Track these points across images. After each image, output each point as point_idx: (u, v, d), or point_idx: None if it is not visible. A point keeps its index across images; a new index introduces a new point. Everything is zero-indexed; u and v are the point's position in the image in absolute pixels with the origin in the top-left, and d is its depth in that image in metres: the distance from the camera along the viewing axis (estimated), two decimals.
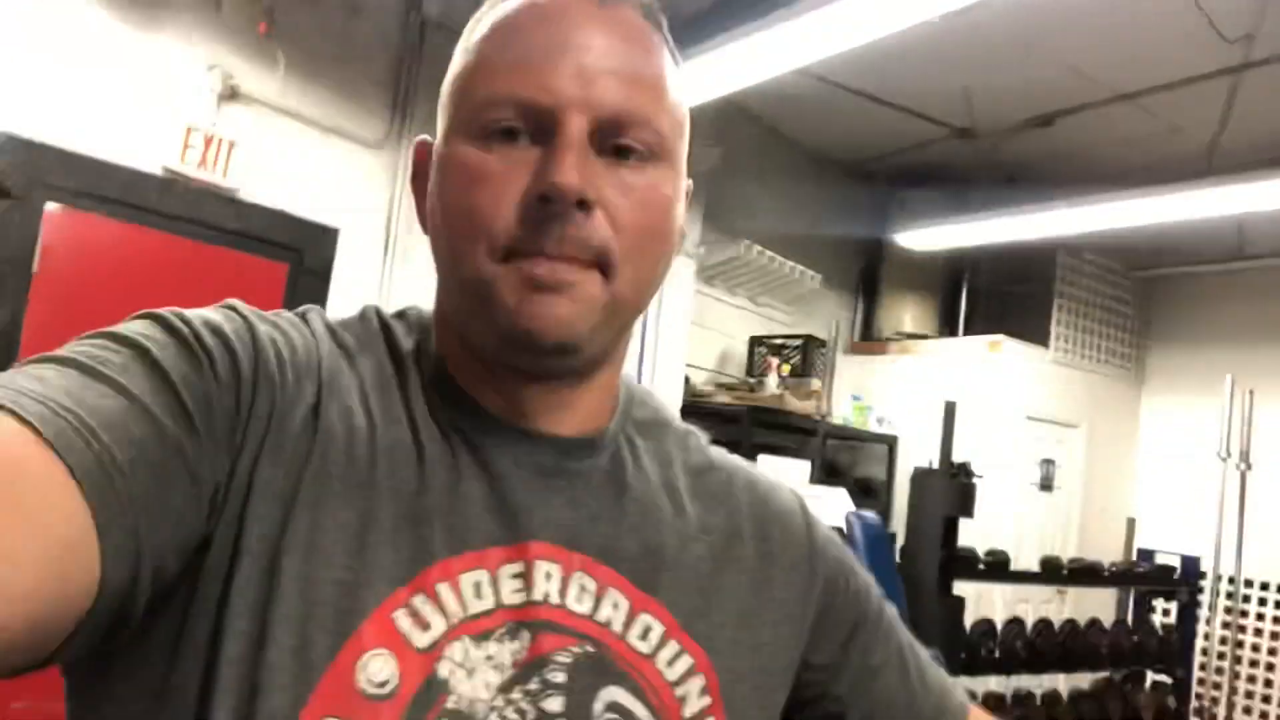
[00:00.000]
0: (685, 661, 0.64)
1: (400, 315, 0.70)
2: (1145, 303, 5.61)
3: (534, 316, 0.58)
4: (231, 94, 3.18)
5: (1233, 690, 4.20)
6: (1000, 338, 4.97)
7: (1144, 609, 3.97)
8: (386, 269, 3.60)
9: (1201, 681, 4.24)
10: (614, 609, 0.63)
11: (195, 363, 0.54)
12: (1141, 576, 4.56)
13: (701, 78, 3.03)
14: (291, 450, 0.56)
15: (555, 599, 0.61)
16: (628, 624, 0.63)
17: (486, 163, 0.59)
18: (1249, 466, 4.03)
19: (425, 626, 0.56)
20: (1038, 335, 5.15)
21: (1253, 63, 3.56)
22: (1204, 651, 4.50)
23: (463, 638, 0.57)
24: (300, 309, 0.67)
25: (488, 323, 0.60)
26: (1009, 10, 3.21)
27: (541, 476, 0.64)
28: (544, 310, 0.58)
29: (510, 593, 0.60)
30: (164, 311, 0.57)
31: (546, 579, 0.61)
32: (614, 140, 0.59)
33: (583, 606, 0.62)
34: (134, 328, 0.55)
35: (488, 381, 0.64)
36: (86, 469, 0.44)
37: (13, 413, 0.44)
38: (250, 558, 0.53)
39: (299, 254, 3.42)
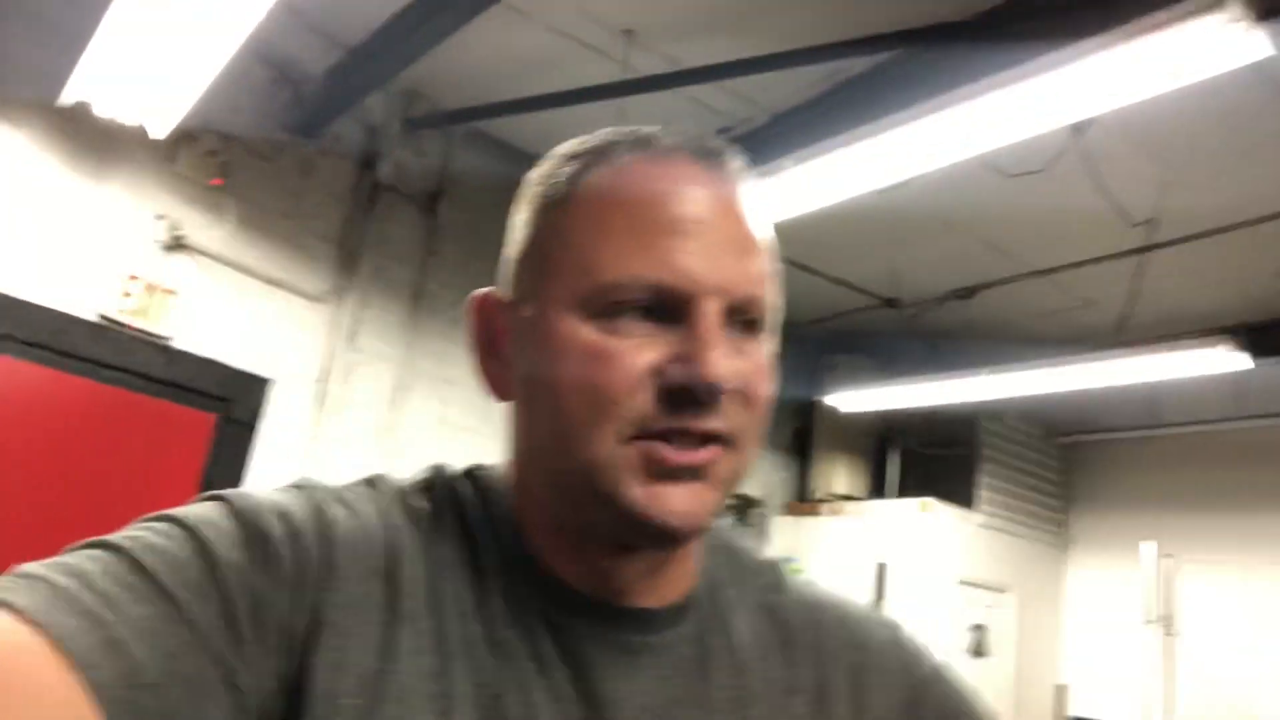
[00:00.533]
0: None
1: (468, 476, 0.67)
2: (1067, 468, 5.78)
3: (664, 512, 0.55)
4: (176, 243, 3.19)
5: None
6: (930, 500, 5.05)
7: None
8: (319, 419, 3.54)
9: None
10: None
11: (253, 558, 0.51)
12: None
13: None
14: (355, 664, 0.53)
15: None
16: None
17: (612, 344, 0.56)
18: (1174, 632, 4.07)
19: None
20: (965, 498, 5.25)
21: (1156, 244, 3.84)
22: None
23: None
24: (373, 477, 0.65)
25: (602, 508, 0.56)
26: (929, 191, 3.44)
27: (626, 655, 0.60)
28: (675, 504, 0.55)
29: None
30: (233, 496, 0.55)
31: None
32: (738, 318, 0.58)
33: None
34: (200, 513, 0.53)
35: (572, 556, 0.61)
36: (111, 694, 0.43)
37: (39, 624, 0.43)
38: None
39: (228, 404, 3.36)
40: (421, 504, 0.62)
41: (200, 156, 3.26)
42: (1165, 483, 5.23)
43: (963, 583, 5.02)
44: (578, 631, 0.59)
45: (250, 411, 3.41)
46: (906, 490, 5.44)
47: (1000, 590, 5.29)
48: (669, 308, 0.56)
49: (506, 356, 0.63)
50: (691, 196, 0.58)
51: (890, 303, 4.84)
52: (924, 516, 5.02)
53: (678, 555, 0.63)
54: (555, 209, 0.61)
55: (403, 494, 0.63)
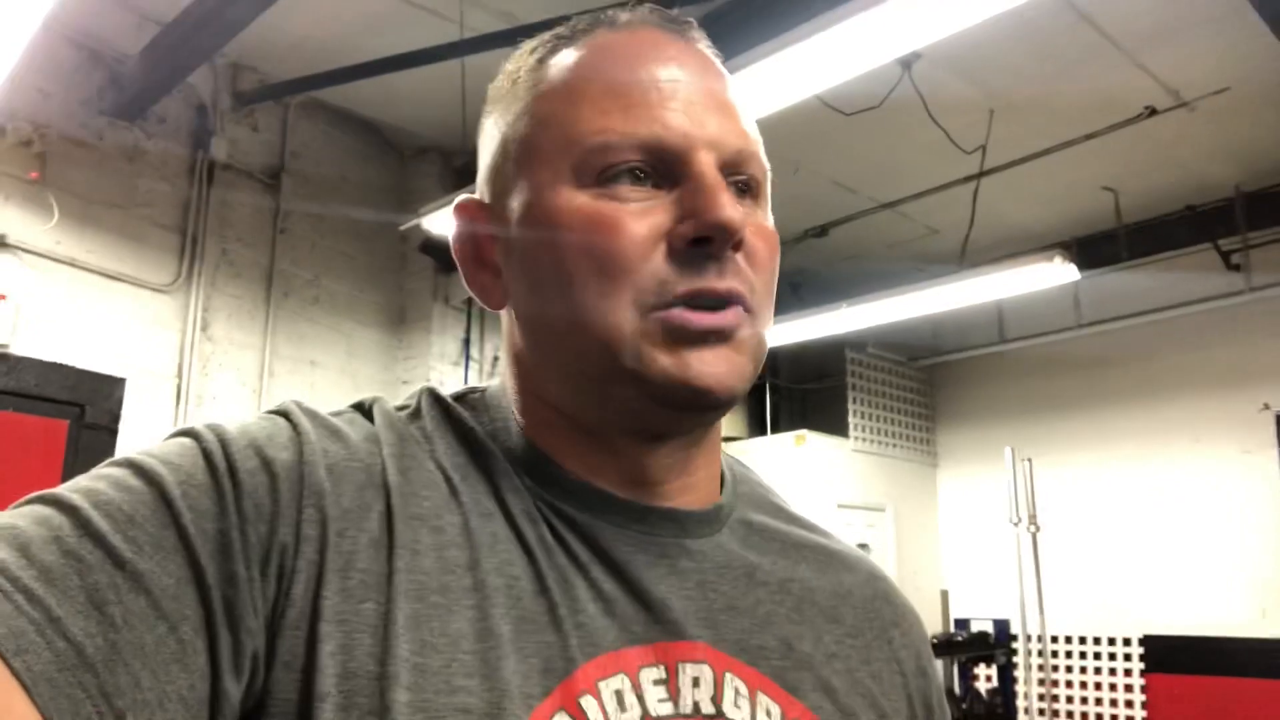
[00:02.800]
0: None
1: (460, 398, 0.62)
2: (929, 388, 6.07)
3: (698, 375, 0.52)
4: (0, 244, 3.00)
5: None
6: (804, 432, 5.23)
7: (968, 676, 4.16)
8: (180, 417, 3.41)
9: None
10: (768, 716, 0.55)
11: (222, 498, 0.47)
12: (961, 645, 4.81)
13: None
14: (365, 569, 0.49)
15: (708, 707, 0.53)
16: None
17: (616, 208, 0.53)
18: (1038, 528, 4.37)
19: None
20: (838, 427, 5.46)
21: (989, 170, 4.04)
22: (1025, 711, 4.76)
23: None
24: (367, 401, 0.60)
25: (628, 385, 0.53)
26: (774, 134, 3.51)
27: (665, 558, 0.56)
28: (708, 367, 0.52)
29: (656, 702, 0.52)
30: (204, 429, 0.51)
31: (694, 685, 0.53)
32: (734, 178, 0.56)
33: (741, 713, 0.54)
34: (165, 455, 0.49)
35: (593, 454, 0.57)
36: (43, 680, 0.39)
37: None
38: (333, 702, 0.45)
39: (80, 409, 3.20)
40: (416, 424, 0.58)
41: (12, 149, 3.05)
42: (1018, 393, 5.56)
43: (841, 506, 5.25)
44: (608, 532, 0.55)
45: (106, 414, 3.26)
46: (785, 425, 5.62)
47: (878, 509, 5.56)
48: (664, 168, 0.54)
49: (494, 262, 0.60)
50: (667, 57, 0.56)
51: None
52: (799, 449, 5.21)
53: (705, 450, 0.60)
54: (527, 98, 0.58)
55: (395, 417, 0.58)
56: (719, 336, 0.53)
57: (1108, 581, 5.10)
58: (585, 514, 0.56)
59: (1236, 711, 4.60)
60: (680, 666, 0.53)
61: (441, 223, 3.29)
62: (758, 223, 0.57)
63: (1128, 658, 5.04)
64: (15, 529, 0.43)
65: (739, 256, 0.54)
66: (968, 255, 4.23)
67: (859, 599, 0.65)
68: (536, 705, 0.48)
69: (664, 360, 0.52)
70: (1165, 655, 4.89)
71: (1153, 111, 3.76)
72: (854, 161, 4.19)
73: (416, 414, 0.59)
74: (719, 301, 0.53)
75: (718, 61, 0.60)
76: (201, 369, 3.50)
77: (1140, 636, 4.98)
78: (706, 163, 0.53)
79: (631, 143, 0.53)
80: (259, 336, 3.70)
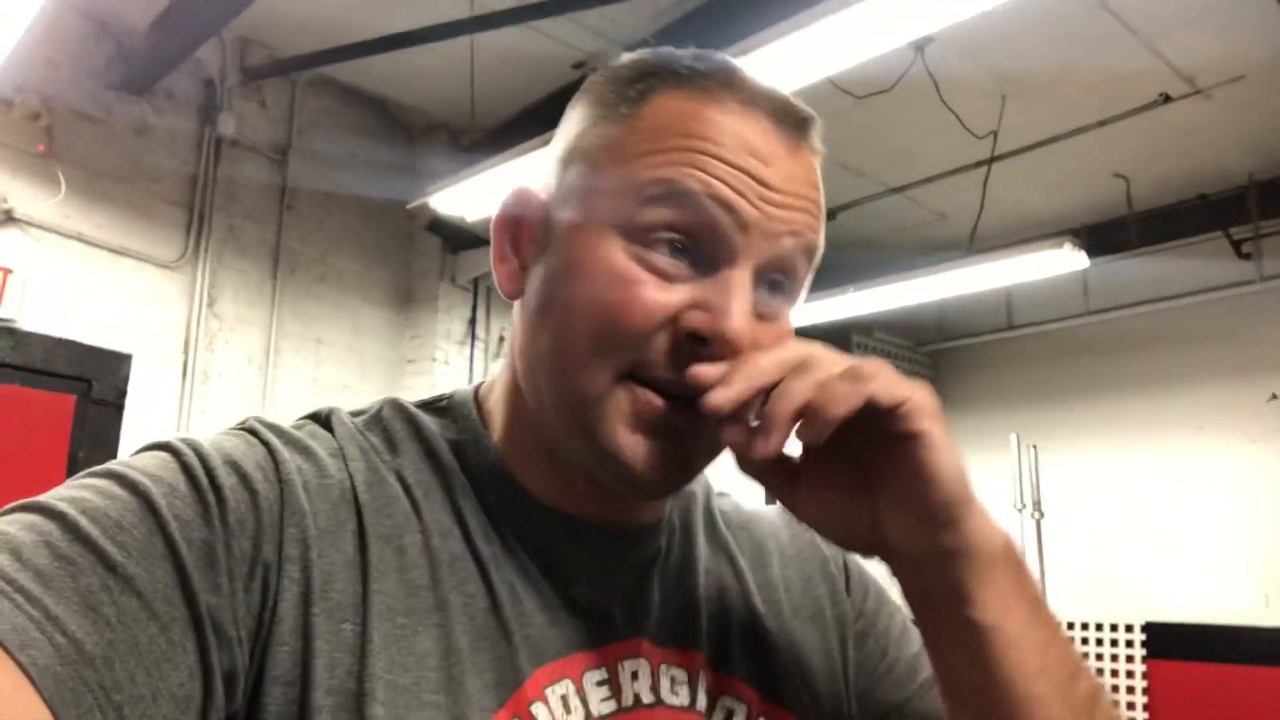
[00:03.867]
0: None
1: (429, 406, 0.64)
2: (935, 374, 6.06)
3: (651, 462, 0.53)
4: (6, 217, 2.99)
5: None
6: None
7: None
8: (186, 393, 3.42)
9: None
10: (707, 697, 0.60)
11: (205, 510, 0.48)
12: None
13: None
14: (342, 590, 0.51)
15: (648, 696, 0.58)
16: (712, 708, 0.61)
17: (640, 273, 0.53)
18: (1042, 515, 4.37)
19: None
20: None
21: (1000, 155, 4.01)
22: None
23: None
24: (324, 411, 0.61)
25: (587, 447, 0.55)
26: None
27: (610, 570, 0.60)
28: (663, 456, 0.54)
29: (599, 702, 0.56)
30: (179, 444, 0.52)
31: (633, 679, 0.58)
32: (766, 279, 0.56)
33: (679, 699, 0.59)
34: (144, 465, 0.50)
35: (553, 477, 0.59)
36: (49, 673, 0.40)
37: None
38: (326, 715, 0.48)
39: (87, 384, 3.20)
40: (377, 435, 0.60)
41: (20, 122, 3.04)
42: (1024, 379, 5.55)
43: None
44: (558, 547, 0.59)
45: (113, 389, 3.26)
46: None
47: None
48: (705, 250, 0.53)
49: (525, 256, 0.60)
50: (760, 144, 0.55)
51: None
52: None
53: None
54: (617, 119, 0.57)
55: (355, 428, 0.60)
56: (681, 432, 0.53)
57: (1111, 568, 5.11)
58: (538, 531, 0.59)
59: (1238, 699, 4.61)
60: (620, 665, 0.58)
61: (450, 201, 3.28)
62: (774, 330, 0.56)
63: (1130, 644, 5.04)
64: (6, 535, 0.44)
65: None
66: (977, 241, 4.21)
67: (790, 554, 0.72)
68: (493, 716, 0.52)
69: (621, 436, 0.53)
70: (1168, 642, 4.90)
71: (1167, 99, 3.73)
72: (864, 145, 4.15)
73: (374, 423, 0.61)
74: (692, 392, 0.52)
75: (817, 158, 0.59)
76: (208, 345, 3.51)
77: (1143, 623, 4.99)
78: (747, 267, 0.53)
79: (692, 209, 0.53)
80: (265, 313, 3.70)
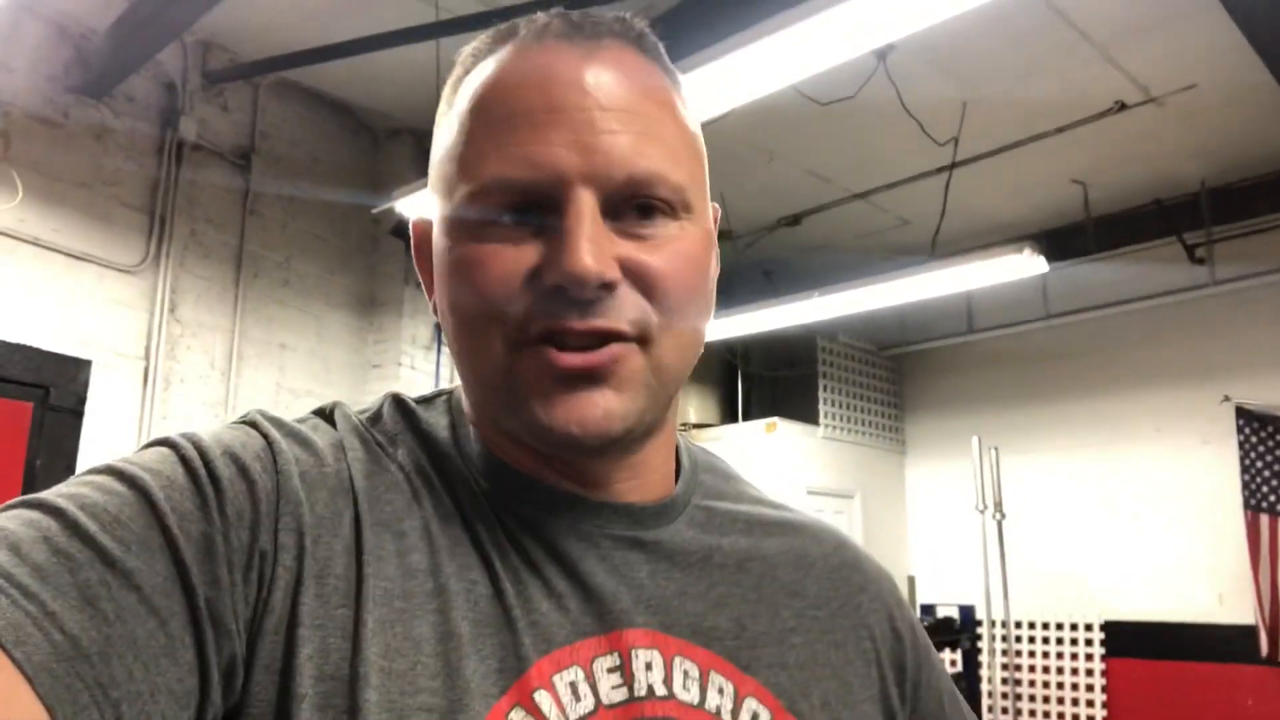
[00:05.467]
0: None
1: (427, 401, 0.64)
2: (898, 377, 6.13)
3: (568, 419, 0.52)
4: None
5: None
6: (775, 420, 5.27)
7: None
8: (148, 399, 3.38)
9: None
10: (720, 695, 0.57)
11: (204, 503, 0.48)
12: (927, 630, 4.88)
13: None
14: (340, 575, 0.51)
15: (661, 689, 0.55)
16: (735, 711, 0.57)
17: (487, 254, 0.53)
18: (1004, 516, 4.43)
19: None
20: (809, 415, 5.50)
21: (961, 161, 4.08)
22: (989, 695, 4.84)
23: None
24: (328, 406, 0.61)
25: (520, 425, 0.55)
26: (749, 124, 3.53)
27: (618, 551, 0.58)
28: (578, 409, 0.52)
29: (609, 689, 0.53)
30: (179, 439, 0.52)
31: (647, 669, 0.55)
32: (631, 203, 0.53)
33: (690, 695, 0.56)
34: (144, 462, 0.50)
35: (539, 460, 0.58)
36: (44, 670, 0.40)
37: None
38: (309, 702, 0.47)
39: (45, 391, 3.15)
40: (378, 428, 0.60)
41: None
42: (985, 382, 5.63)
43: (811, 493, 5.30)
44: (561, 529, 0.57)
45: (72, 396, 3.21)
46: (756, 413, 5.65)
47: (847, 496, 5.61)
48: (543, 207, 0.52)
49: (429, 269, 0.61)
50: (553, 79, 0.53)
51: (723, 235, 4.96)
52: (770, 436, 5.24)
53: (651, 451, 0.60)
54: (442, 124, 0.58)
55: (357, 422, 0.60)
56: (591, 379, 0.52)
57: (1071, 568, 5.19)
58: (539, 512, 0.57)
59: (1193, 695, 4.71)
60: (634, 652, 0.55)
61: (415, 206, 3.27)
62: (659, 249, 0.54)
63: (1089, 643, 5.13)
64: (4, 530, 0.44)
65: (623, 291, 0.52)
66: (938, 246, 4.27)
67: (824, 568, 0.67)
68: (494, 703, 0.50)
69: (534, 405, 0.53)
70: (1125, 640, 5.00)
71: (1123, 106, 3.81)
72: (828, 151, 4.20)
73: (377, 418, 0.61)
74: (593, 340, 0.52)
75: (642, 61, 0.57)
76: (169, 351, 3.46)
77: (1102, 622, 5.08)
78: (579, 201, 0.51)
79: (503, 185, 0.52)
80: (228, 319, 3.66)
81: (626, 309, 0.52)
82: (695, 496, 0.65)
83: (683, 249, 0.55)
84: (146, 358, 3.41)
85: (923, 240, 4.50)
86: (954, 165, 4.08)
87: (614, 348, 0.52)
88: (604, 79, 0.54)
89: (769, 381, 5.93)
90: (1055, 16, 3.26)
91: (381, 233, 4.21)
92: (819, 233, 4.94)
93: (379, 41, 3.16)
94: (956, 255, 3.99)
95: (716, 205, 0.63)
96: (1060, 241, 4.76)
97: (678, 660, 0.56)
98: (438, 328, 4.25)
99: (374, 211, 3.70)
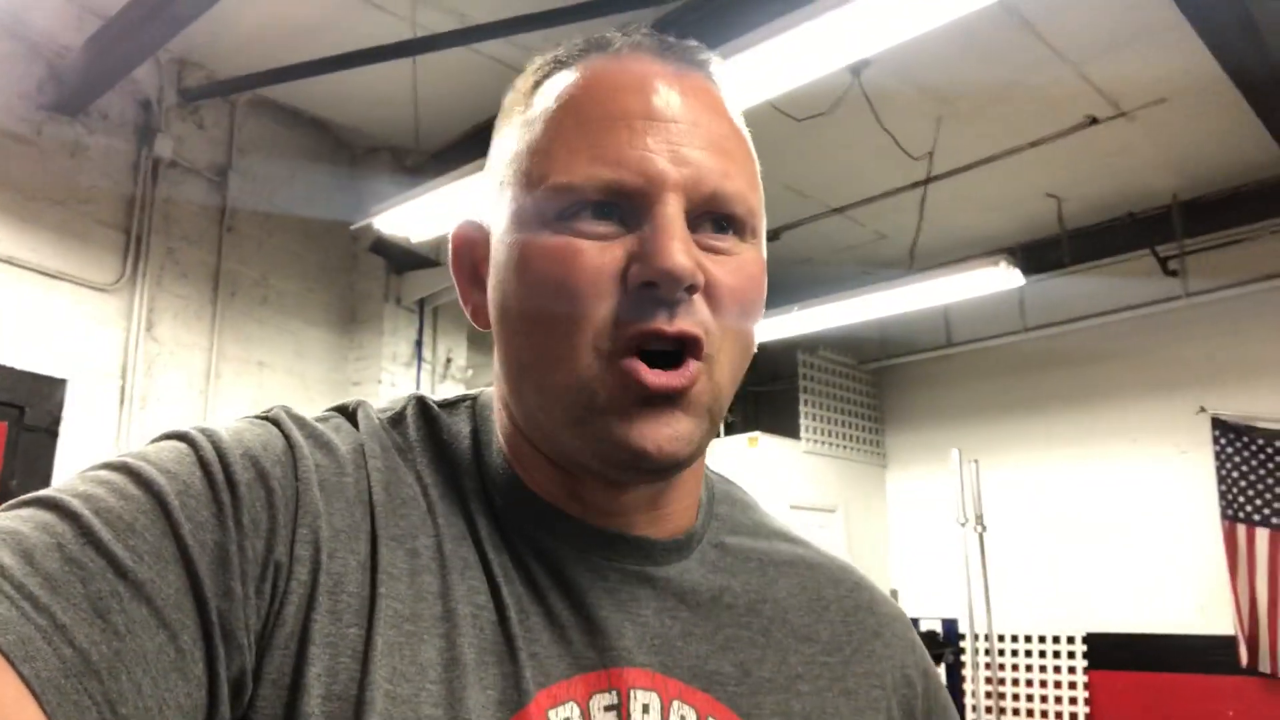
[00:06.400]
0: None
1: (450, 405, 0.63)
2: (878, 390, 6.16)
3: (648, 439, 0.52)
4: None
5: None
6: (757, 434, 5.28)
7: None
8: (124, 417, 3.35)
9: None
10: None
11: (220, 509, 0.48)
12: None
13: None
14: (353, 593, 0.50)
15: None
16: None
17: (573, 243, 0.52)
18: (985, 529, 4.44)
19: None
20: (790, 429, 5.52)
21: (936, 176, 4.12)
22: (973, 708, 4.84)
23: None
24: (351, 404, 0.60)
25: (587, 437, 0.54)
26: None
27: (626, 586, 0.57)
28: (658, 431, 0.52)
29: None
30: (199, 436, 0.51)
31: (644, 712, 0.54)
32: (708, 217, 0.54)
33: None
34: (160, 458, 0.49)
35: (563, 484, 0.58)
36: (51, 687, 0.39)
37: None
38: None
39: (20, 410, 3.12)
40: (399, 430, 0.59)
41: None
42: (964, 395, 5.66)
43: (794, 507, 5.30)
44: (572, 558, 0.56)
45: (47, 415, 3.18)
46: (738, 427, 5.66)
47: (829, 510, 5.62)
48: (628, 209, 0.53)
49: (486, 287, 0.60)
50: (649, 89, 0.54)
51: None
52: (753, 451, 5.25)
53: (676, 486, 0.60)
54: (517, 123, 0.58)
55: (380, 424, 0.59)
56: (669, 400, 0.52)
57: (1052, 581, 5.21)
58: (551, 539, 0.57)
59: (1175, 706, 4.72)
60: (633, 693, 0.54)
61: (394, 222, 3.27)
62: (731, 267, 0.55)
63: (1071, 655, 5.15)
64: (18, 534, 0.43)
65: (697, 299, 0.53)
66: (916, 260, 4.30)
67: (838, 612, 0.66)
68: None
69: (613, 422, 0.52)
70: (1107, 652, 5.01)
71: (1094, 120, 3.86)
72: (805, 166, 4.23)
73: (399, 420, 0.60)
74: (673, 353, 0.52)
75: (721, 89, 0.59)
76: (146, 370, 3.44)
77: (1084, 635, 5.10)
78: (669, 206, 0.52)
79: (594, 184, 0.52)
80: (205, 337, 3.64)
81: (703, 316, 0.53)
82: (711, 532, 0.64)
83: (748, 269, 0.56)
84: (123, 376, 3.38)
85: (900, 254, 4.53)
86: (929, 180, 4.12)
87: (692, 366, 0.52)
88: (693, 101, 0.55)
89: (750, 396, 5.95)
90: (1027, 32, 3.30)
91: (360, 249, 4.20)
92: (798, 247, 4.97)
93: (356, 59, 3.16)
94: (934, 269, 4.02)
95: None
96: (1036, 254, 4.81)
97: (676, 705, 0.55)
98: (418, 345, 4.24)
99: (352, 228, 3.69)
